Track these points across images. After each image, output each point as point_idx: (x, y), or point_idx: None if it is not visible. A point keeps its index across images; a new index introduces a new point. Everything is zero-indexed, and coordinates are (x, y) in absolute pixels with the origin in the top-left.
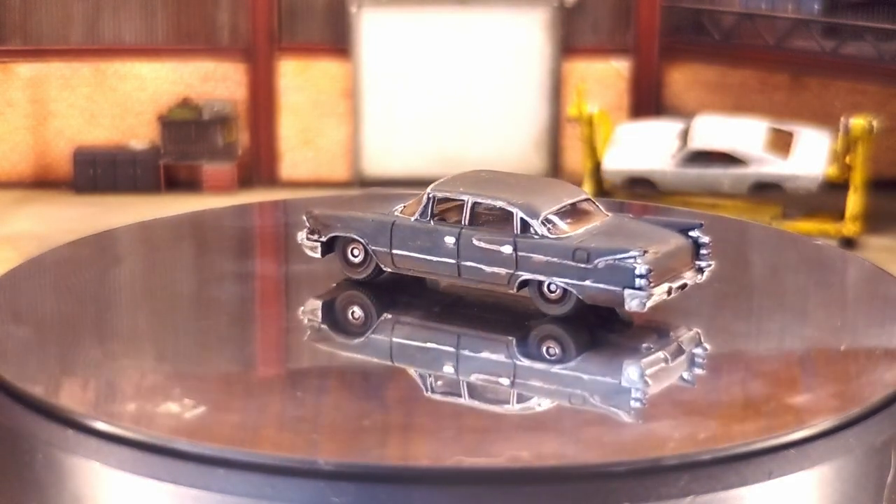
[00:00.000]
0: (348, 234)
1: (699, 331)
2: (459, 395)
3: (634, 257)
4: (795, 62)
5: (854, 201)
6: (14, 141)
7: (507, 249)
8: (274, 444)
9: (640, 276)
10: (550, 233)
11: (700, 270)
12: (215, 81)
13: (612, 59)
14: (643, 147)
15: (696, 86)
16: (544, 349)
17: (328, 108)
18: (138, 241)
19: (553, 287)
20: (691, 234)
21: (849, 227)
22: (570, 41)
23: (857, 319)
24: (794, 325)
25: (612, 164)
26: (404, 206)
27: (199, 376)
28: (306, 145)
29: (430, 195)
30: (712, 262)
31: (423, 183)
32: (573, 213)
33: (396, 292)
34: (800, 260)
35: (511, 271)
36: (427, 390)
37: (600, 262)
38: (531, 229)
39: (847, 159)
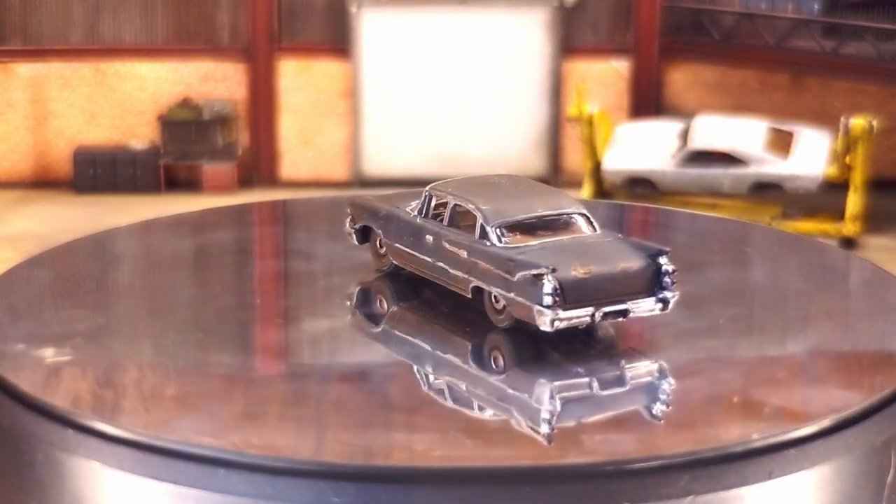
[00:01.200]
0: (371, 225)
1: (664, 364)
2: (459, 395)
3: (543, 274)
4: (795, 62)
5: (854, 201)
6: (14, 141)
7: (464, 254)
8: (274, 445)
9: (548, 294)
10: (500, 241)
11: (663, 301)
12: (215, 81)
13: (612, 59)
14: (643, 147)
15: (696, 86)
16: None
17: (328, 108)
18: (138, 241)
19: (496, 297)
20: (659, 260)
21: (849, 227)
22: (570, 41)
23: (856, 319)
24: (794, 325)
25: (612, 164)
26: (416, 203)
27: (199, 376)
28: (306, 145)
29: (427, 193)
30: (676, 293)
31: (422, 183)
32: (544, 225)
33: (410, 288)
34: (799, 260)
35: (466, 276)
36: (428, 391)
37: (520, 277)
38: (486, 236)
39: (847, 159)
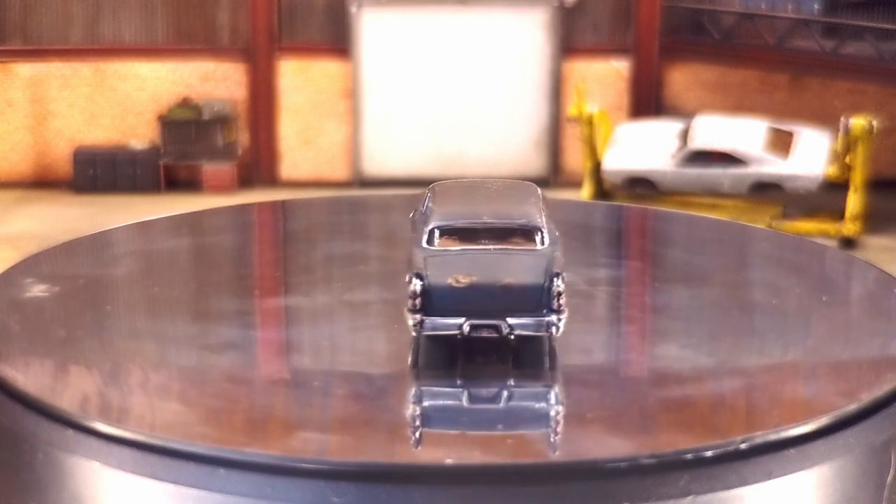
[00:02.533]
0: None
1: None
2: (459, 395)
3: (410, 278)
4: (795, 62)
5: (854, 201)
6: (14, 141)
7: (408, 254)
8: (274, 444)
9: (409, 298)
10: (429, 244)
11: (548, 324)
12: (215, 81)
13: (612, 59)
14: (643, 147)
15: (696, 86)
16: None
17: (328, 108)
18: (138, 240)
19: None
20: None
21: (849, 227)
22: (570, 41)
23: (856, 319)
24: (793, 325)
25: (612, 164)
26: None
27: (199, 376)
28: (306, 145)
29: (426, 193)
30: (563, 316)
31: (421, 183)
32: (486, 234)
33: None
34: (799, 260)
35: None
36: (428, 390)
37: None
38: (423, 237)
39: (847, 159)
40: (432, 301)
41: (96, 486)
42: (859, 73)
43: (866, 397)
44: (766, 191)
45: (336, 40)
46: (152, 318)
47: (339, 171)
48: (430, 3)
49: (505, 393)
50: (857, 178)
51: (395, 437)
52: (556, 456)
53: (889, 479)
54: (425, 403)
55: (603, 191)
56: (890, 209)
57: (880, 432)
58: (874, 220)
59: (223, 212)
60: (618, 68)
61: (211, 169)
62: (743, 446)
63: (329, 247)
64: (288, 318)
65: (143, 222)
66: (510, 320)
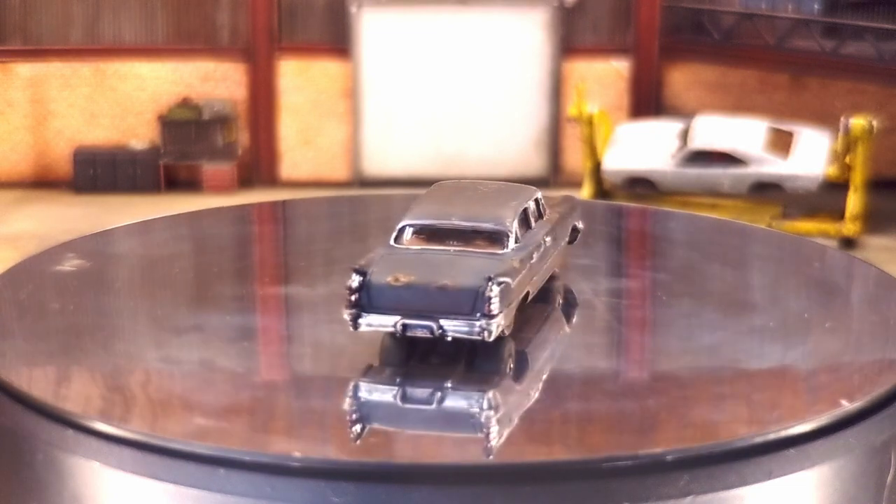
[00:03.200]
0: None
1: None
2: (459, 395)
3: (352, 274)
4: (795, 62)
5: (854, 201)
6: (14, 141)
7: None
8: (275, 444)
9: (347, 292)
10: (395, 241)
11: (480, 329)
12: (215, 81)
13: (612, 59)
14: (643, 147)
15: (696, 86)
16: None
17: (328, 108)
18: (138, 240)
19: None
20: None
21: (849, 227)
22: (570, 41)
23: (856, 319)
24: (793, 325)
25: (612, 164)
26: None
27: (199, 375)
28: (306, 145)
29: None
30: (495, 322)
31: (421, 183)
32: (454, 235)
33: None
34: (798, 261)
35: None
36: (427, 390)
37: None
38: (390, 235)
39: (847, 159)
40: (370, 298)
41: (96, 486)
42: (859, 73)
43: (866, 397)
44: (766, 191)
45: (336, 40)
46: (152, 318)
47: (339, 171)
48: (430, 3)
49: (438, 394)
50: (857, 178)
51: (324, 431)
52: (557, 456)
53: (889, 479)
54: (353, 399)
55: (603, 191)
56: (890, 209)
57: (880, 432)
58: (874, 220)
59: (223, 212)
60: (618, 68)
61: (211, 169)
62: (743, 446)
63: (323, 245)
64: (264, 314)
65: (142, 222)
66: (443, 322)
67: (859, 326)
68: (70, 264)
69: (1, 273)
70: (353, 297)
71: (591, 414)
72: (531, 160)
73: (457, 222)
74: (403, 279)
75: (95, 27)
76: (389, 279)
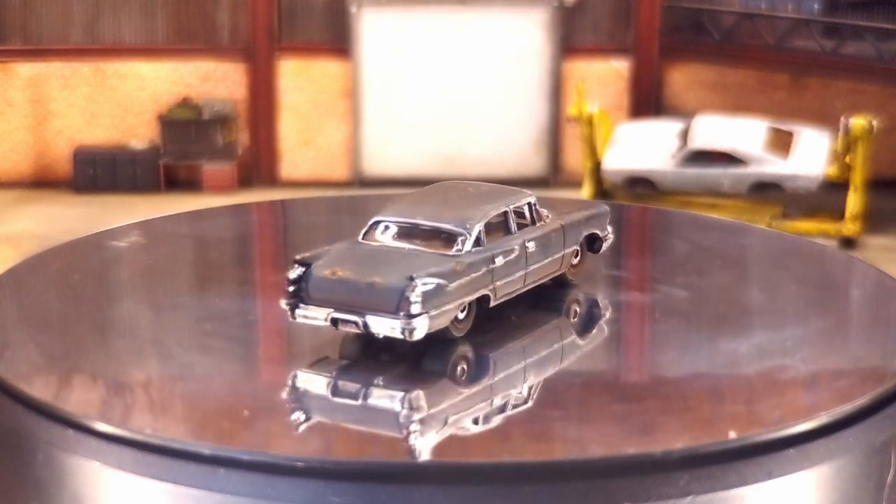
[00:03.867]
0: None
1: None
2: (459, 395)
3: (294, 265)
4: (795, 62)
5: (854, 201)
6: (14, 141)
7: None
8: (274, 444)
9: (286, 283)
10: (361, 237)
11: (403, 327)
12: (215, 81)
13: (612, 58)
14: (643, 147)
15: (696, 86)
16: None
17: (328, 107)
18: (138, 240)
19: None
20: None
21: (849, 227)
22: (570, 41)
23: (856, 319)
24: (793, 325)
25: (612, 163)
26: None
27: (199, 376)
28: (306, 145)
29: None
30: (417, 321)
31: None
32: (417, 233)
33: None
34: (798, 261)
35: None
36: (426, 390)
37: None
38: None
39: (847, 159)
40: (308, 290)
41: (96, 486)
42: (859, 73)
43: (866, 397)
44: (766, 191)
45: (336, 40)
46: (153, 318)
47: (339, 171)
48: (430, 3)
49: (364, 391)
50: (857, 178)
51: (254, 425)
52: (557, 456)
53: (889, 479)
54: (290, 388)
55: (603, 190)
56: (890, 209)
57: (880, 432)
58: (874, 220)
59: (223, 211)
60: (618, 68)
61: (211, 169)
62: (743, 446)
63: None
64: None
65: (142, 222)
66: (368, 318)
67: (859, 326)
68: (69, 264)
69: (1, 273)
70: (291, 288)
71: (590, 414)
72: (531, 160)
73: (420, 221)
74: (340, 273)
75: (95, 27)
76: (327, 272)
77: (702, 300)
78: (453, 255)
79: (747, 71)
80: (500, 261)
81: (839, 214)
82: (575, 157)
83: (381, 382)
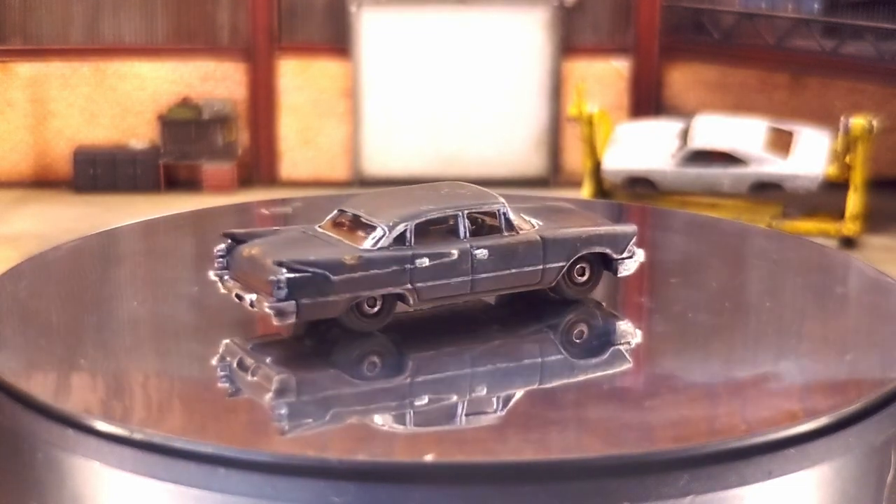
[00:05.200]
0: None
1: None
2: (458, 394)
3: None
4: (795, 62)
5: (854, 201)
6: (14, 141)
7: None
8: (274, 444)
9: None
10: (317, 227)
11: (279, 312)
12: (215, 81)
13: (612, 58)
14: (643, 147)
15: (696, 85)
16: (549, 346)
17: (328, 107)
18: (138, 240)
19: None
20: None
21: (849, 227)
22: (570, 41)
23: (855, 319)
24: (793, 326)
25: (612, 163)
26: None
27: (200, 376)
28: (306, 145)
29: None
30: (277, 308)
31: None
32: (360, 224)
33: None
34: (798, 261)
35: None
36: (425, 390)
37: None
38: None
39: (847, 159)
40: (230, 264)
41: (96, 485)
42: (859, 73)
43: (866, 397)
44: (766, 190)
45: (336, 40)
46: (153, 318)
47: (339, 171)
48: (430, 3)
49: (253, 367)
50: (857, 177)
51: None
52: (557, 455)
53: (889, 478)
54: (219, 360)
55: (603, 190)
56: (890, 209)
57: (880, 432)
58: (874, 220)
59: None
60: (618, 68)
61: (211, 168)
62: (743, 446)
63: None
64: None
65: (143, 221)
66: (253, 297)
67: (858, 326)
68: (69, 264)
69: (1, 273)
70: (217, 261)
71: (589, 415)
72: (531, 160)
73: (361, 214)
74: (250, 252)
75: (95, 27)
76: (244, 250)
77: (701, 300)
78: (362, 249)
79: (747, 71)
80: (423, 262)
81: (839, 214)
82: (575, 157)
83: (270, 362)
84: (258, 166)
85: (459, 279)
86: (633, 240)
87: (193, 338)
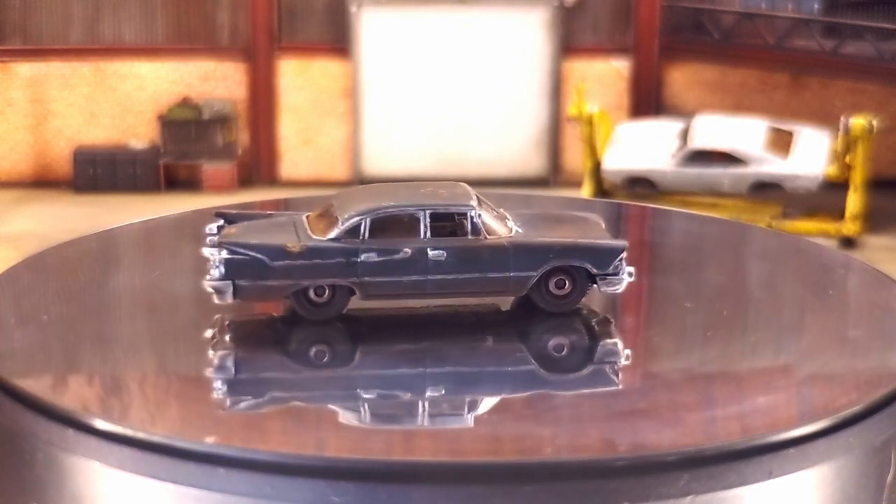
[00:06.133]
0: None
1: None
2: (458, 395)
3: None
4: (795, 62)
5: (854, 201)
6: (14, 140)
7: None
8: (274, 444)
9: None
10: (304, 215)
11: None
12: (215, 81)
13: (612, 58)
14: (643, 147)
15: (696, 85)
16: (545, 349)
17: (328, 107)
18: (138, 240)
19: None
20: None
21: (849, 227)
22: (570, 41)
23: (855, 320)
24: (793, 326)
25: (612, 163)
26: None
27: (198, 375)
28: (306, 145)
29: None
30: (218, 290)
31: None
32: (328, 214)
33: None
34: (798, 262)
35: None
36: (425, 390)
37: None
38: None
39: (847, 159)
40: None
41: (96, 485)
42: (859, 73)
43: (866, 398)
44: (766, 190)
45: (336, 40)
46: (152, 318)
47: (339, 171)
48: (430, 3)
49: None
50: (857, 177)
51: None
52: (557, 455)
53: (889, 479)
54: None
55: (603, 190)
56: (890, 209)
57: (880, 432)
58: (874, 220)
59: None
60: (618, 68)
61: (211, 168)
62: (743, 446)
63: None
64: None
65: (142, 221)
66: (213, 273)
67: (858, 326)
68: (69, 264)
69: (1, 273)
70: (208, 239)
71: (589, 415)
72: (531, 160)
73: (333, 205)
74: (231, 233)
75: (95, 27)
76: (229, 230)
77: (700, 300)
78: (313, 239)
79: (747, 71)
80: (370, 257)
81: (839, 214)
82: (575, 157)
83: (216, 335)
84: (258, 166)
85: (412, 278)
86: (622, 256)
87: (194, 338)
